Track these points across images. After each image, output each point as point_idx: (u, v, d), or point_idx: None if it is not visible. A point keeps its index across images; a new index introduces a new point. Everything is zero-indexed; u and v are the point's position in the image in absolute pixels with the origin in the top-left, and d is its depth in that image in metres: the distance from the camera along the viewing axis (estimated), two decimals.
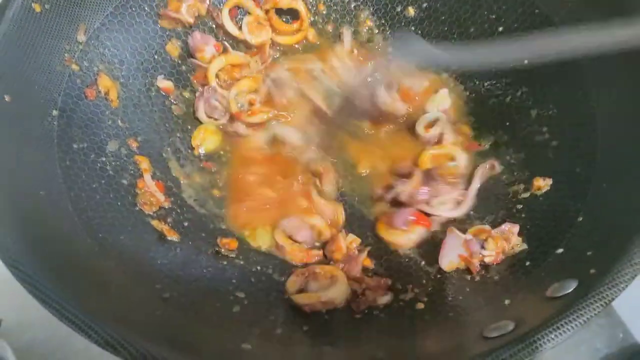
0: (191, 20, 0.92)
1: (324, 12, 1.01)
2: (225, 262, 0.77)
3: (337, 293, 0.70)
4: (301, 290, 0.72)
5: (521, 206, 0.76)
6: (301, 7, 0.98)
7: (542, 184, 0.75)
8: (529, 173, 0.78)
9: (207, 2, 0.93)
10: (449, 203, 0.81)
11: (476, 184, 0.81)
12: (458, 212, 0.80)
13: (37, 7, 0.73)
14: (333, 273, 0.73)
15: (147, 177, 0.80)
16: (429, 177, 0.83)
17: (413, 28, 0.98)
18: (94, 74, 0.81)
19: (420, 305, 0.68)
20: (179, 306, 0.63)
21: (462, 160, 0.84)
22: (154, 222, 0.76)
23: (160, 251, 0.72)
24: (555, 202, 0.72)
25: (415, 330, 0.62)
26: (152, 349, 0.50)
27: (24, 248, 0.57)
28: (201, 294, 0.68)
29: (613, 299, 0.50)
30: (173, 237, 0.76)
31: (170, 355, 0.50)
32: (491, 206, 0.79)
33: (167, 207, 0.80)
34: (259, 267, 0.77)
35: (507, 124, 0.85)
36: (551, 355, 0.49)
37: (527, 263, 0.66)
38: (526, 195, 0.76)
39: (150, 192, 0.78)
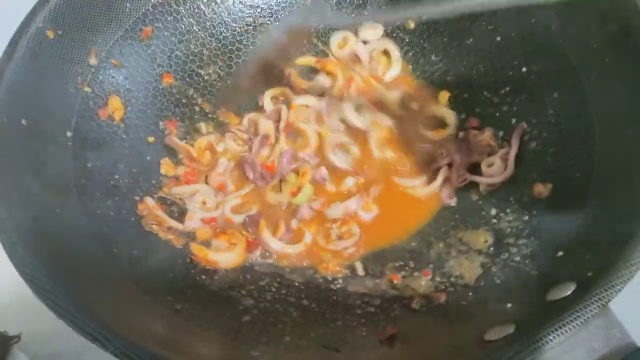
0: None
1: None
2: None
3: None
4: None
5: (525, 210, 0.77)
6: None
7: (543, 189, 0.76)
8: (529, 179, 0.79)
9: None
10: (497, 164, 0.84)
11: (515, 148, 0.83)
12: (502, 177, 0.82)
13: (50, 34, 0.77)
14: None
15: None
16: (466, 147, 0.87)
17: (414, 39, 1.00)
18: (105, 96, 0.84)
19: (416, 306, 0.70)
20: (190, 317, 0.65)
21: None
22: (161, 234, 0.79)
23: (171, 263, 0.75)
24: (555, 206, 0.73)
25: (416, 335, 0.63)
26: (164, 357, 0.52)
27: (41, 263, 0.60)
28: (212, 304, 0.70)
29: (610, 300, 0.51)
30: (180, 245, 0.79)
31: None
32: None
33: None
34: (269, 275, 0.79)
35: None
36: (550, 356, 0.50)
37: (528, 267, 0.67)
38: (527, 200, 0.77)
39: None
